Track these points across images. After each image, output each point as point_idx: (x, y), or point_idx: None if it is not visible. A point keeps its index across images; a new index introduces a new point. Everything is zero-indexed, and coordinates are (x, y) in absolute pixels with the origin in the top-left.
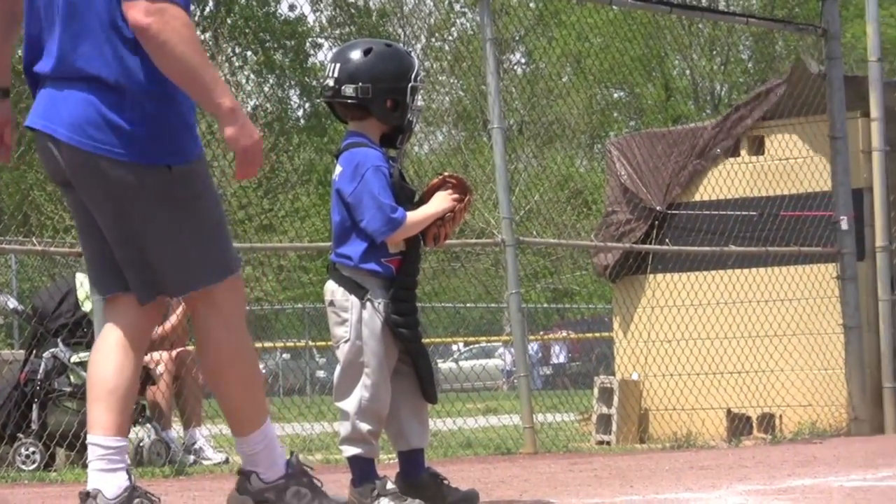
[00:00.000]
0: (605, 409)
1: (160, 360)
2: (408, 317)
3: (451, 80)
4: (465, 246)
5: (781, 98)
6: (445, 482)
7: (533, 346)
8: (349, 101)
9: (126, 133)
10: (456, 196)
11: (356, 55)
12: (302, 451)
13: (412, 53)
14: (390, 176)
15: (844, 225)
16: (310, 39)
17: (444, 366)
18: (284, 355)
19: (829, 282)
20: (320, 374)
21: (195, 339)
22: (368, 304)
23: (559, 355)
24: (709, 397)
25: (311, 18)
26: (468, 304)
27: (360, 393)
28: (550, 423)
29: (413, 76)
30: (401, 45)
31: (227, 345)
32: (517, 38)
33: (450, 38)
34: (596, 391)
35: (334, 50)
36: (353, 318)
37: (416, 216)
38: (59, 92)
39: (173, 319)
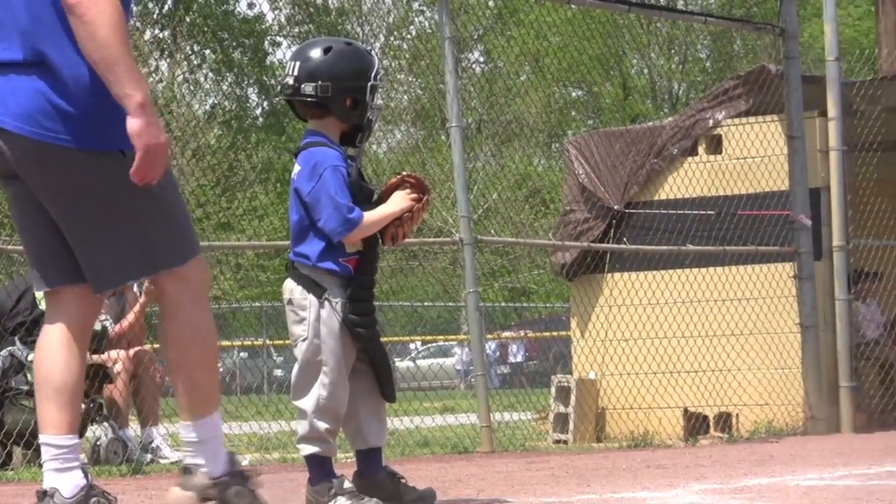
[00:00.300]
0: (562, 408)
1: (118, 359)
2: (365, 316)
3: (410, 79)
4: (423, 244)
5: (739, 99)
6: (403, 481)
7: (491, 345)
8: (309, 99)
9: (76, 120)
10: (414, 195)
11: (316, 53)
12: (259, 450)
13: (372, 52)
14: (349, 175)
15: (801, 224)
16: (268, 38)
17: (401, 364)
18: (242, 354)
19: (786, 281)
20: (278, 372)
21: (163, 318)
22: (326, 303)
23: (517, 354)
24: (666, 396)
25: (269, 17)
26: (426, 303)
27: (317, 391)
28: (508, 422)
29: (373, 75)
30: (360, 43)
31: (197, 319)
32: (476, 36)
33: (408, 36)
34: (553, 390)
35: (294, 48)
36: (312, 316)
37: (374, 216)
38: (6, 81)
39: (130, 317)
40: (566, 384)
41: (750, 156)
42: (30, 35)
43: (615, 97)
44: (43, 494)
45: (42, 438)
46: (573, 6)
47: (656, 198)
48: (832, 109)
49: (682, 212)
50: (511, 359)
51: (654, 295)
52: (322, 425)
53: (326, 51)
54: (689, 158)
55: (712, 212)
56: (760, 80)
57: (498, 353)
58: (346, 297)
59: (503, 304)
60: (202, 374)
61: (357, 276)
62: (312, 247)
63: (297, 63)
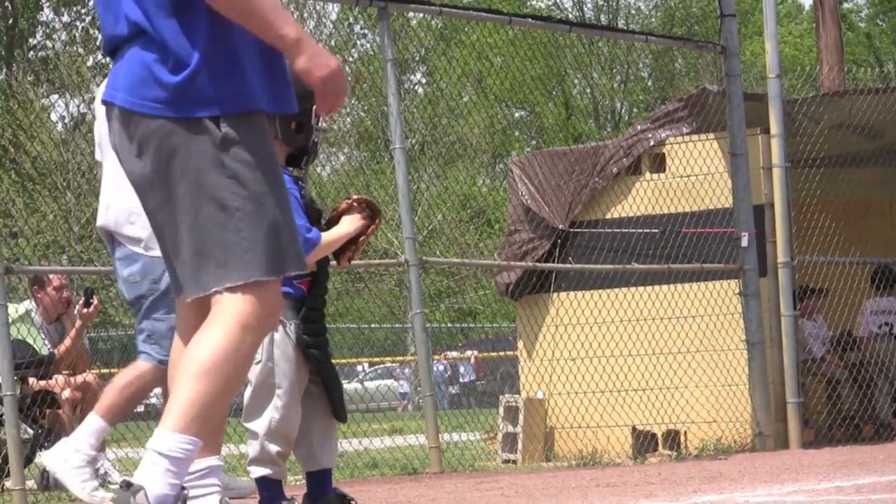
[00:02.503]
0: (510, 428)
1: (65, 385)
2: (318, 337)
3: (353, 101)
4: (369, 266)
5: (682, 122)
6: (353, 503)
7: (439, 367)
8: None
9: (180, 89)
10: (365, 218)
11: None
12: None
13: None
14: (302, 197)
15: (745, 241)
16: None
17: (349, 386)
18: None
19: (731, 298)
20: None
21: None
22: (280, 326)
23: (465, 375)
24: (613, 415)
25: None
26: (373, 325)
27: (270, 414)
28: (456, 442)
29: None
30: None
31: (227, 345)
32: (418, 58)
33: (351, 59)
34: (501, 410)
35: None
36: (265, 340)
37: (330, 237)
38: (121, 57)
39: (67, 342)
40: (514, 404)
41: (693, 174)
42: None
43: (558, 117)
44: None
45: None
46: (515, 27)
47: (601, 217)
48: (774, 126)
49: (626, 230)
50: (461, 379)
51: (600, 314)
52: (273, 448)
53: None
54: (633, 177)
55: (657, 230)
56: (702, 101)
57: (449, 373)
58: (298, 318)
59: (449, 324)
60: (198, 390)
61: (309, 297)
62: None
63: None
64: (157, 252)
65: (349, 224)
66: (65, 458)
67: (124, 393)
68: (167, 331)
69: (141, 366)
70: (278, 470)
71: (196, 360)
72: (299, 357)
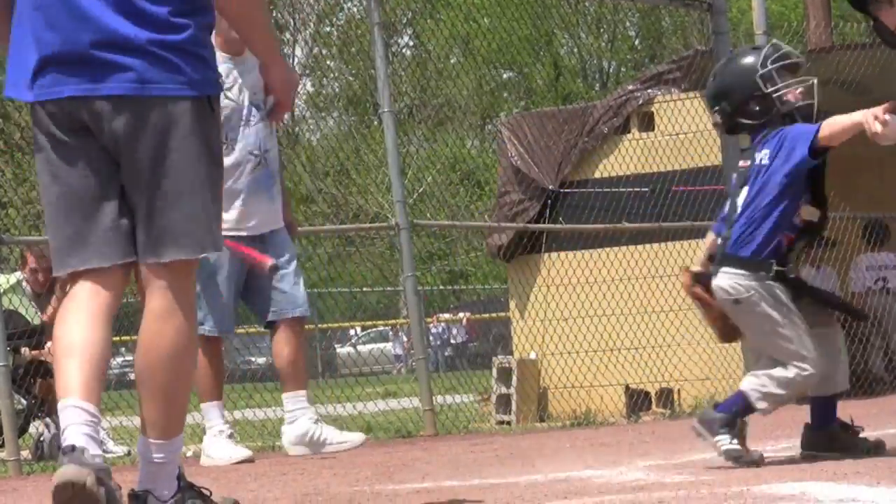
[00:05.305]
0: (504, 390)
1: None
2: None
3: (341, 66)
4: (360, 230)
5: (673, 84)
6: (859, 432)
7: (435, 329)
8: None
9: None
10: None
11: None
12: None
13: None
14: None
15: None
16: None
17: (342, 350)
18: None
19: None
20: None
21: (149, 319)
22: None
23: (456, 336)
24: (607, 374)
25: None
26: (364, 289)
27: None
28: (450, 404)
29: None
30: None
31: (189, 329)
32: (405, 21)
33: (339, 23)
34: (494, 371)
35: None
36: None
37: None
38: None
39: (54, 303)
40: (507, 365)
41: (682, 132)
42: None
43: (546, 78)
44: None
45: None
46: None
47: (591, 177)
48: None
49: (616, 190)
50: (452, 340)
51: (591, 273)
52: None
53: None
54: (623, 136)
55: (646, 189)
56: (693, 63)
57: (446, 336)
58: None
59: (441, 287)
60: (186, 388)
61: None
62: None
63: None
64: None
65: None
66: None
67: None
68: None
69: None
70: None
71: (173, 358)
72: None
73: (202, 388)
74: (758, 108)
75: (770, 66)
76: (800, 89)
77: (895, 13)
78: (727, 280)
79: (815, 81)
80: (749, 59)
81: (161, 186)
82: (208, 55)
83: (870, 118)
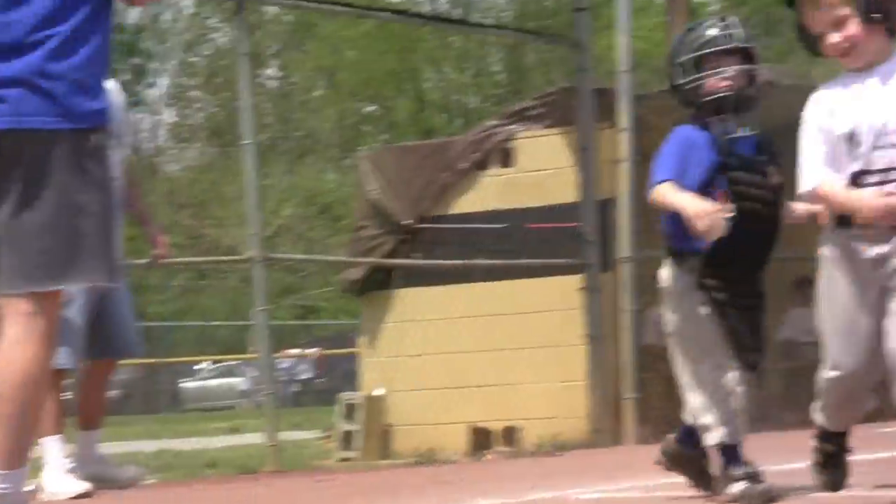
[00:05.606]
0: (347, 426)
1: None
2: None
3: (206, 96)
4: (215, 263)
5: (537, 120)
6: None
7: (282, 364)
8: None
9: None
10: None
11: None
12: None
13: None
14: None
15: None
16: None
17: (190, 385)
18: None
19: (574, 294)
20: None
21: (5, 345)
22: None
23: (304, 372)
24: (453, 412)
25: None
26: (215, 322)
27: None
28: (295, 440)
29: None
30: None
31: (45, 358)
32: (272, 52)
33: (206, 53)
34: (340, 407)
35: None
36: None
37: None
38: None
39: None
40: (354, 401)
41: (541, 168)
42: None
43: (409, 111)
44: None
45: None
46: (369, 21)
47: (449, 212)
48: (623, 120)
49: (472, 226)
50: (300, 377)
51: (443, 310)
52: None
53: None
54: (482, 172)
55: (503, 225)
56: (558, 100)
57: (294, 371)
58: None
59: (292, 322)
60: (33, 417)
61: None
62: None
63: None
64: None
65: None
66: None
67: None
68: None
69: None
70: None
71: (24, 387)
72: None
73: (42, 421)
74: (681, 99)
75: (684, 57)
76: (716, 79)
77: (819, 18)
78: None
79: (738, 69)
80: (673, 45)
81: (23, 218)
82: (94, 84)
83: (697, 214)
